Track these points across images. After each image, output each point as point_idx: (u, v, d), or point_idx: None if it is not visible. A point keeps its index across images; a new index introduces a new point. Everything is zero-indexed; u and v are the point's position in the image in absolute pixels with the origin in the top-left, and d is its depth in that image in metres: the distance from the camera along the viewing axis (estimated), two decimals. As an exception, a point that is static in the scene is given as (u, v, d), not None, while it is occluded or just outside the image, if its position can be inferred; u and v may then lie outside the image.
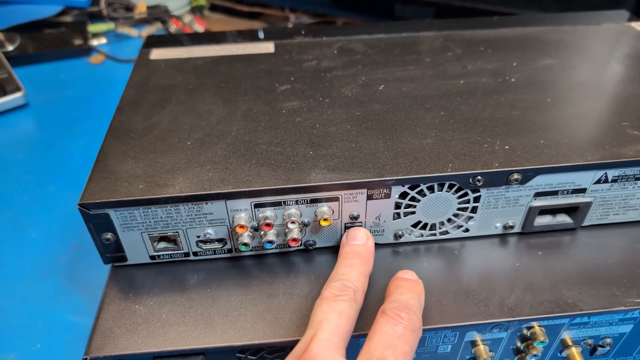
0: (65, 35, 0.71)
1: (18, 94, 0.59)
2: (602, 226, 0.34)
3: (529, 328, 0.30)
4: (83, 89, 0.65)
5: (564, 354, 0.32)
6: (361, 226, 0.31)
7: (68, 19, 0.73)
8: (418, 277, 0.29)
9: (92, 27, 0.74)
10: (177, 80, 0.38)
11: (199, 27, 0.77)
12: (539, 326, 0.30)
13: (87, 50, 0.71)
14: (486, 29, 0.45)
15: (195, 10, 0.82)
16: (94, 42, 0.73)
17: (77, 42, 0.70)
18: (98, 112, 0.60)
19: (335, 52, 0.42)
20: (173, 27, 0.76)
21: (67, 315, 0.38)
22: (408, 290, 0.28)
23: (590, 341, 0.32)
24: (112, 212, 0.28)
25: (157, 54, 0.42)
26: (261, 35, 0.46)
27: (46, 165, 0.52)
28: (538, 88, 0.37)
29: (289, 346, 0.28)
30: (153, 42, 0.44)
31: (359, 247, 0.30)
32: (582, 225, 0.34)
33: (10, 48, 0.67)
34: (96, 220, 0.28)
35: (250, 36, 0.46)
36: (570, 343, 0.32)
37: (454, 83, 0.37)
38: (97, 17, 0.75)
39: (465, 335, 0.30)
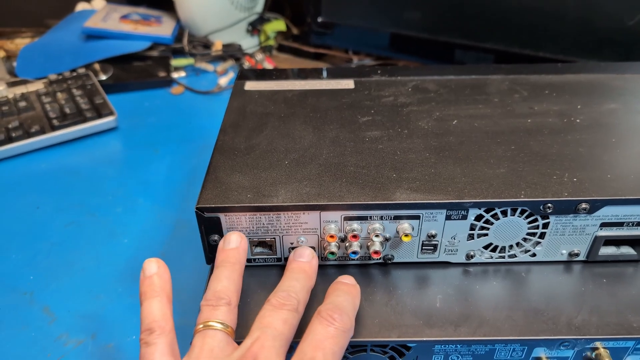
0: (151, 68, 0.79)
1: (111, 118, 0.66)
2: (666, 261, 0.36)
3: (594, 349, 0.32)
4: (165, 116, 0.71)
5: (627, 380, 0.34)
6: (437, 244, 0.34)
7: (154, 53, 0.81)
8: (356, 283, 0.32)
9: (174, 62, 0.82)
10: (271, 109, 0.43)
11: (269, 65, 0.84)
12: (604, 348, 0.32)
13: (169, 82, 0.78)
14: (550, 75, 0.48)
15: (265, 49, 0.90)
16: (175, 75, 0.80)
17: (161, 74, 0.78)
18: (178, 136, 0.66)
19: (410, 90, 0.46)
20: (246, 64, 0.83)
21: (157, 313, 0.42)
22: (344, 293, 0.30)
23: (654, 370, 0.33)
24: (222, 216, 0.33)
25: (250, 85, 0.47)
26: (324, 74, 0.50)
27: (134, 182, 0.58)
28: (603, 129, 0.40)
29: (369, 344, 0.31)
30: (245, 74, 0.50)
31: (304, 264, 0.33)
32: (646, 258, 0.36)
33: (104, 77, 0.75)
34: (208, 223, 0.33)
35: (316, 73, 0.51)
36: (634, 370, 0.33)
37: (522, 121, 0.40)
38: (179, 53, 0.83)
39: (533, 351, 0.32)
